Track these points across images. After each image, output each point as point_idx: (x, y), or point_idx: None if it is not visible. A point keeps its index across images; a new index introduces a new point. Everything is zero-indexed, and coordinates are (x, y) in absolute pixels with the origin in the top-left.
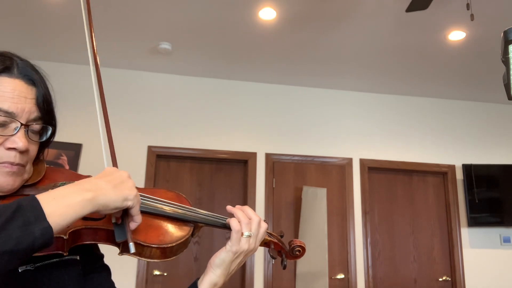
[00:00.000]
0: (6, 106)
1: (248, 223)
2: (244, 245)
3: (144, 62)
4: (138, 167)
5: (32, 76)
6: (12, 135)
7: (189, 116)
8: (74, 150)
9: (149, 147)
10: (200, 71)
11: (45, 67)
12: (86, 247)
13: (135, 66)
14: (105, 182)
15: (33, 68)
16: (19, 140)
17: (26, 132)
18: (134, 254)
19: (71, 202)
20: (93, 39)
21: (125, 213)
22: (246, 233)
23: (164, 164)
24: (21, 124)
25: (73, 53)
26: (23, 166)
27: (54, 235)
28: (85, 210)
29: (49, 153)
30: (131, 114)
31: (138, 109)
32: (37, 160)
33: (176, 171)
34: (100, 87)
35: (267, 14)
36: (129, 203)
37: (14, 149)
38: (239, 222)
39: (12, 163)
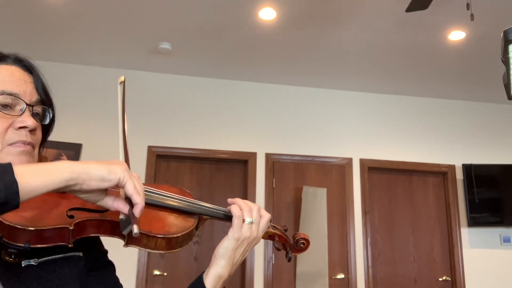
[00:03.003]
0: (9, 88)
1: (250, 209)
2: (246, 231)
3: (144, 62)
4: (138, 167)
5: (27, 63)
6: (19, 115)
7: (189, 116)
8: (74, 150)
9: (149, 147)
10: (200, 71)
11: (45, 67)
12: (90, 243)
13: (135, 66)
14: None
15: (24, 57)
16: (28, 119)
17: (31, 113)
18: (139, 245)
19: (46, 167)
20: (125, 124)
21: (131, 204)
22: (248, 219)
23: (164, 164)
24: (26, 104)
25: (73, 53)
26: (33, 147)
27: (26, 197)
28: (62, 174)
29: (49, 153)
30: (131, 114)
31: (138, 109)
32: (39, 156)
33: (176, 171)
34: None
35: (267, 14)
36: (118, 176)
37: (24, 128)
38: (240, 209)
39: (24, 142)
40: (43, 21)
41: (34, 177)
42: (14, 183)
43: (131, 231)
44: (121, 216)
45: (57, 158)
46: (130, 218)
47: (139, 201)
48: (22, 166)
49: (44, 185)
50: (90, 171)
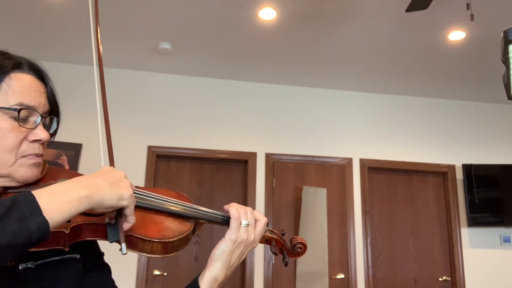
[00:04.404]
0: (27, 100)
1: (245, 212)
2: (243, 234)
3: (144, 62)
4: (138, 167)
5: (41, 72)
6: (34, 128)
7: (189, 116)
8: (74, 150)
9: (149, 147)
10: (200, 71)
11: (45, 67)
12: (86, 245)
13: (135, 66)
14: (102, 180)
15: (36, 64)
16: (42, 132)
17: (44, 124)
18: (135, 249)
19: (66, 198)
20: (99, 40)
21: (119, 213)
22: (244, 222)
23: (164, 164)
24: (41, 117)
25: (73, 53)
26: (42, 156)
27: (51, 230)
28: (80, 207)
29: (49, 153)
30: (131, 114)
31: (138, 109)
32: None
33: (176, 171)
34: (102, 87)
35: (267, 14)
36: (124, 203)
37: (38, 141)
38: (237, 211)
39: (37, 155)
40: (43, 21)
41: (57, 213)
42: (46, 223)
43: (118, 241)
44: (107, 220)
45: (57, 158)
46: (118, 230)
47: (132, 222)
48: (45, 199)
49: (65, 219)
50: (103, 202)
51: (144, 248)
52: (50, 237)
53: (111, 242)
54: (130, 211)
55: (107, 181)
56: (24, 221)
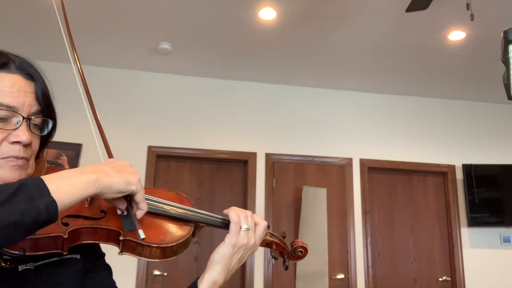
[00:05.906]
0: (7, 100)
1: (246, 217)
2: (243, 238)
3: (144, 62)
4: (138, 167)
5: (30, 71)
6: (15, 129)
7: (189, 116)
8: (74, 150)
9: (149, 147)
10: (200, 71)
11: (45, 67)
12: (87, 246)
13: (135, 66)
14: (108, 167)
15: (29, 63)
16: (22, 134)
17: (28, 126)
18: (134, 253)
19: (75, 181)
20: (71, 36)
21: (130, 203)
22: (244, 226)
23: (164, 164)
24: (23, 118)
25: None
26: (27, 160)
27: (59, 213)
28: (89, 190)
29: (49, 153)
30: (131, 114)
31: (138, 109)
32: (38, 159)
33: (176, 171)
34: (84, 83)
35: (267, 14)
36: (133, 188)
37: (18, 142)
38: (237, 215)
39: (17, 157)
40: (42, 21)
41: (66, 195)
42: (54, 203)
43: (134, 230)
44: (119, 212)
45: (57, 158)
46: (132, 219)
47: (145, 208)
48: (53, 182)
49: (74, 201)
50: (112, 186)
51: (143, 252)
52: (57, 218)
53: (127, 231)
54: (140, 197)
55: (113, 168)
56: (33, 201)
